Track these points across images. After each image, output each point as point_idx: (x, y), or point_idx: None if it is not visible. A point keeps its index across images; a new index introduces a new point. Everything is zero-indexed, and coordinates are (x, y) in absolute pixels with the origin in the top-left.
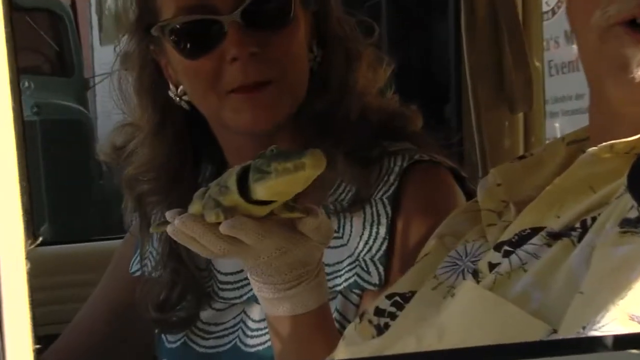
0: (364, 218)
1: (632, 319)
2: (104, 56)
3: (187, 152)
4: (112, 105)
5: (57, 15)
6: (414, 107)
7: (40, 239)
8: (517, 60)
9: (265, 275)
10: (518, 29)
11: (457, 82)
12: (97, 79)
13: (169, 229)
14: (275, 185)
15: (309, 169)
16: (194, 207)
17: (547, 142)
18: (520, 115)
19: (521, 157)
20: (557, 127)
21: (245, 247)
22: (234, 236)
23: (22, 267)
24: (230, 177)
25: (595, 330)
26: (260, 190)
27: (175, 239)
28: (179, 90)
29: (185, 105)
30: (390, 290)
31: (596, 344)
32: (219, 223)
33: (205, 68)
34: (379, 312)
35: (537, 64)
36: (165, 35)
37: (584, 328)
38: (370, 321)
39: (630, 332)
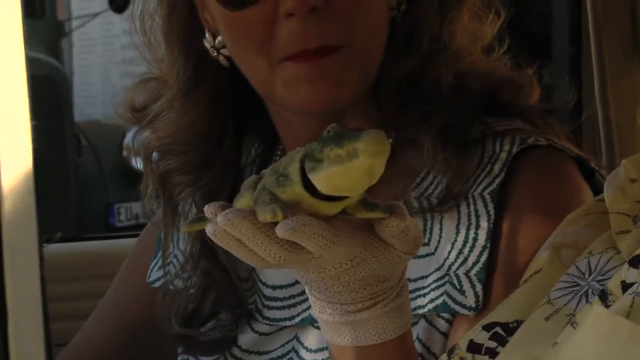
0: (458, 219)
1: None
2: None
3: (227, 119)
4: (96, 59)
5: None
6: (529, 72)
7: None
8: None
9: (331, 292)
10: None
11: (571, 33)
12: (75, 23)
13: (208, 229)
14: (330, 177)
15: (364, 156)
16: (243, 201)
17: None
18: None
19: None
20: None
21: (308, 256)
22: (294, 241)
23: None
24: (291, 164)
25: None
26: (318, 183)
27: (216, 241)
28: (217, 41)
29: (224, 61)
30: (489, 318)
31: None
32: (276, 223)
33: (253, 23)
34: (474, 347)
35: None
36: None
37: None
38: (462, 359)
39: None
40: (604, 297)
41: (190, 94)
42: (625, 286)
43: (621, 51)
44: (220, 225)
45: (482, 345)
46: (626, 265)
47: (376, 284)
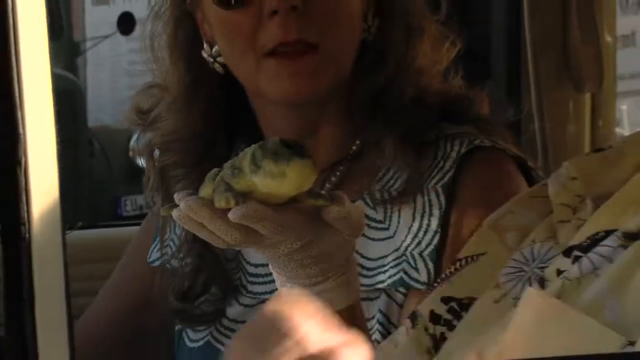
0: (414, 208)
1: None
2: (96, 17)
3: (220, 121)
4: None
5: None
6: (480, 90)
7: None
8: (586, 33)
9: (288, 268)
10: None
11: (511, 55)
12: (89, 44)
13: (174, 213)
14: (264, 185)
15: (290, 180)
16: (206, 190)
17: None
18: (587, 95)
19: (598, 150)
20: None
21: (261, 238)
22: (246, 224)
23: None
24: (244, 159)
25: None
26: (257, 181)
27: (181, 224)
28: (213, 50)
29: (219, 69)
30: (446, 291)
31: None
32: (228, 209)
33: (243, 21)
34: (434, 317)
35: (608, 38)
36: None
37: None
38: (426, 328)
39: None
40: (542, 283)
41: (189, 99)
42: (559, 273)
43: (554, 71)
44: (183, 210)
45: (440, 316)
46: (560, 255)
47: (326, 261)
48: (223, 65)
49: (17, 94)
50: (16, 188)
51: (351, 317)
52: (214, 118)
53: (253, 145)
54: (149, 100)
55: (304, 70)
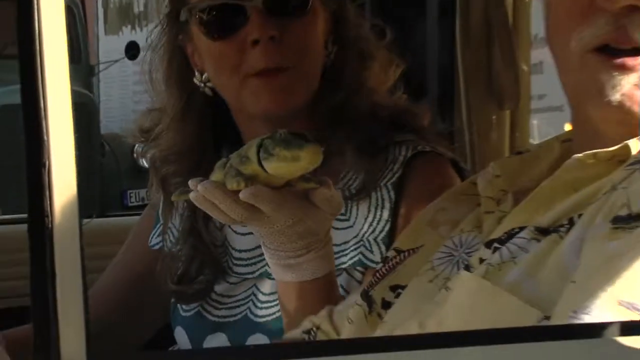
0: (370, 202)
1: (621, 304)
2: (108, 45)
3: (209, 137)
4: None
5: (68, 7)
6: (422, 104)
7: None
8: (506, 61)
9: (278, 242)
10: (508, 33)
11: (439, 79)
12: (101, 66)
13: (191, 195)
14: (277, 169)
15: (304, 162)
16: (216, 175)
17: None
18: (507, 112)
19: (518, 153)
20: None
21: (261, 215)
22: (252, 203)
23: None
24: (250, 149)
25: (585, 314)
26: (267, 166)
27: (197, 204)
28: (203, 77)
29: (208, 92)
30: (393, 281)
31: (586, 330)
32: (239, 191)
33: (229, 50)
34: (385, 304)
35: (524, 66)
36: (193, 18)
37: (575, 312)
38: (379, 314)
39: (619, 320)
40: (468, 269)
41: (183, 119)
42: (481, 261)
43: (481, 92)
44: (200, 192)
45: (390, 303)
46: (483, 246)
47: (310, 236)
48: (212, 89)
49: (42, 107)
50: (41, 185)
51: (328, 282)
52: (205, 133)
53: (257, 138)
54: (150, 121)
55: (281, 88)
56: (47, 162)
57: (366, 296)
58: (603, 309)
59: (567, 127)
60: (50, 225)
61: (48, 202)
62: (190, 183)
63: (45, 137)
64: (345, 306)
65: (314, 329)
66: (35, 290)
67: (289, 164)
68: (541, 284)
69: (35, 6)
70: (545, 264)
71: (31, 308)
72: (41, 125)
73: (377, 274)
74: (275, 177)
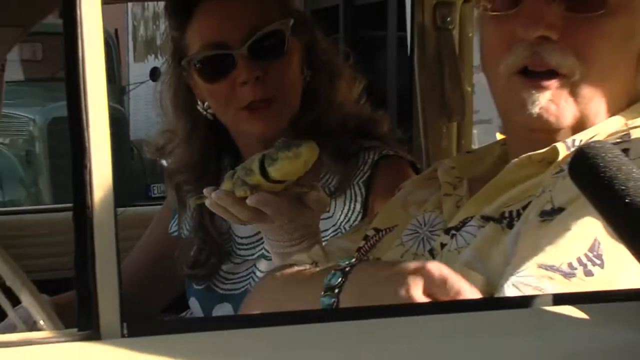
0: (345, 197)
1: (540, 267)
2: (136, 70)
3: (211, 151)
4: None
5: (106, 40)
6: (381, 112)
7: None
8: (454, 83)
9: (277, 235)
10: (455, 61)
11: (400, 97)
12: (131, 87)
13: (207, 202)
14: (282, 168)
15: (305, 156)
16: (225, 185)
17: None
18: (455, 124)
19: (468, 152)
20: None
21: (264, 216)
22: (256, 207)
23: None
24: (253, 162)
25: (513, 275)
26: (273, 172)
27: (211, 209)
28: (205, 104)
29: (209, 116)
30: (376, 255)
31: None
32: (246, 197)
33: (222, 89)
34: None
35: (468, 87)
36: (192, 66)
37: (507, 278)
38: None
39: (545, 293)
40: (432, 252)
41: (189, 139)
42: (442, 246)
43: (434, 107)
44: (214, 199)
45: None
46: (443, 233)
47: (303, 230)
48: (212, 114)
49: (85, 119)
50: (83, 182)
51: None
52: (208, 149)
53: (258, 153)
54: (163, 140)
55: (269, 116)
56: (88, 164)
57: None
58: (526, 272)
59: (498, 135)
60: (90, 215)
61: (89, 197)
62: (205, 191)
63: (86, 144)
64: (334, 247)
65: (314, 263)
66: (79, 266)
67: (292, 161)
68: (489, 267)
69: (80, 40)
70: (491, 250)
71: (75, 280)
72: (83, 133)
73: (362, 250)
74: (276, 184)
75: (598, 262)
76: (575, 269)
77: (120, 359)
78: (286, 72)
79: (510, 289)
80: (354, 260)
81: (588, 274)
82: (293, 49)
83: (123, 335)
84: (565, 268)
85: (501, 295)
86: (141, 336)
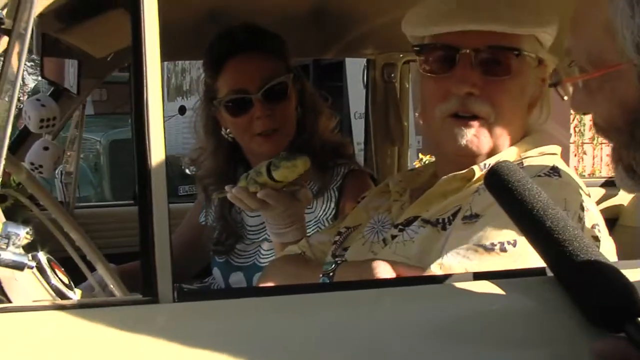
0: (323, 198)
1: (468, 245)
2: (168, 107)
3: (230, 163)
4: (171, 133)
5: None
6: (347, 139)
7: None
8: (396, 119)
9: (276, 220)
10: (397, 103)
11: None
12: (165, 119)
13: (228, 195)
14: (282, 173)
15: (300, 167)
16: (241, 183)
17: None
18: (397, 147)
19: (411, 170)
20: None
21: (268, 206)
22: (264, 199)
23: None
24: (262, 167)
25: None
26: (276, 175)
27: (231, 200)
28: (227, 131)
29: (230, 139)
30: (344, 244)
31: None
32: (256, 192)
33: (242, 122)
34: (340, 256)
35: (405, 123)
36: (220, 104)
37: (440, 261)
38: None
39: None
40: (385, 242)
41: (215, 154)
42: (393, 237)
43: (382, 135)
44: (234, 193)
45: (342, 255)
46: (392, 227)
47: (293, 217)
48: (232, 138)
49: (147, 142)
50: (146, 186)
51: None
52: (228, 162)
53: (264, 161)
54: (196, 155)
55: (274, 141)
56: (149, 170)
57: (333, 255)
58: (447, 257)
59: (420, 155)
60: (151, 208)
61: (149, 195)
62: (227, 188)
63: (149, 159)
64: (315, 241)
65: (303, 253)
66: (143, 247)
67: (290, 169)
68: (429, 258)
69: (145, 86)
70: (430, 245)
71: (140, 257)
72: (147, 154)
73: (337, 242)
74: (278, 183)
75: (512, 243)
76: (495, 245)
77: (173, 318)
78: (287, 110)
79: (448, 258)
80: (333, 266)
81: (503, 250)
82: (292, 94)
83: (174, 300)
84: (487, 244)
85: (438, 262)
86: (187, 301)
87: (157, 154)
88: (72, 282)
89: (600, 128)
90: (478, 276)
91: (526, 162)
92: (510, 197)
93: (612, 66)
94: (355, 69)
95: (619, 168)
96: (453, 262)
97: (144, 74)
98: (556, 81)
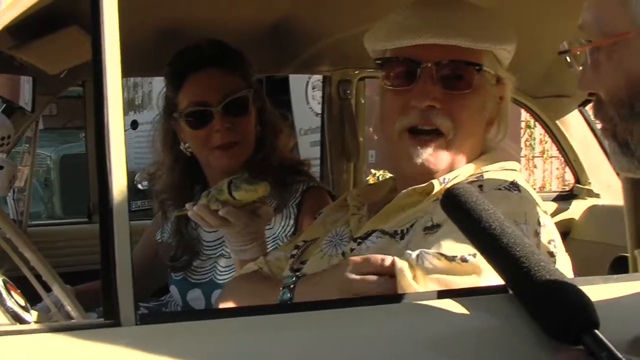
0: (282, 215)
1: (433, 253)
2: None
3: (187, 179)
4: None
5: None
6: (305, 159)
7: None
8: (352, 135)
9: (236, 237)
10: (353, 120)
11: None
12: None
13: (189, 213)
14: (242, 195)
15: (259, 192)
16: (202, 200)
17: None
18: (352, 164)
19: (370, 185)
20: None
21: (229, 223)
22: (225, 217)
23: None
24: (223, 185)
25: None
26: (236, 195)
27: (192, 218)
28: (185, 145)
29: (188, 154)
30: (302, 257)
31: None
32: (217, 210)
33: (202, 134)
34: (298, 269)
35: (361, 138)
36: (180, 117)
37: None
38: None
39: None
40: (343, 254)
41: (172, 169)
42: (352, 250)
43: (338, 152)
44: (195, 211)
45: (300, 268)
46: (351, 241)
47: (254, 234)
48: (190, 152)
49: (108, 159)
50: (108, 208)
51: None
52: (185, 177)
53: (225, 179)
54: (153, 169)
55: (233, 156)
56: (110, 187)
57: (291, 268)
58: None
59: (373, 170)
60: (112, 230)
61: (111, 218)
62: (187, 206)
63: (109, 174)
64: (272, 257)
65: (260, 269)
66: (104, 268)
67: (250, 193)
68: None
69: (105, 99)
70: (389, 252)
71: (102, 278)
72: (107, 169)
73: (295, 255)
74: (238, 201)
75: (472, 255)
76: (456, 256)
77: (136, 342)
78: (247, 125)
79: (415, 257)
80: (294, 279)
81: (464, 260)
82: (252, 110)
83: (137, 323)
84: (449, 254)
85: (405, 260)
86: (149, 324)
87: (118, 172)
88: (28, 304)
89: (601, 106)
90: (441, 295)
91: (486, 175)
92: (467, 217)
93: (621, 34)
94: (299, 86)
95: (613, 145)
96: (427, 255)
97: (104, 90)
98: (564, 50)
